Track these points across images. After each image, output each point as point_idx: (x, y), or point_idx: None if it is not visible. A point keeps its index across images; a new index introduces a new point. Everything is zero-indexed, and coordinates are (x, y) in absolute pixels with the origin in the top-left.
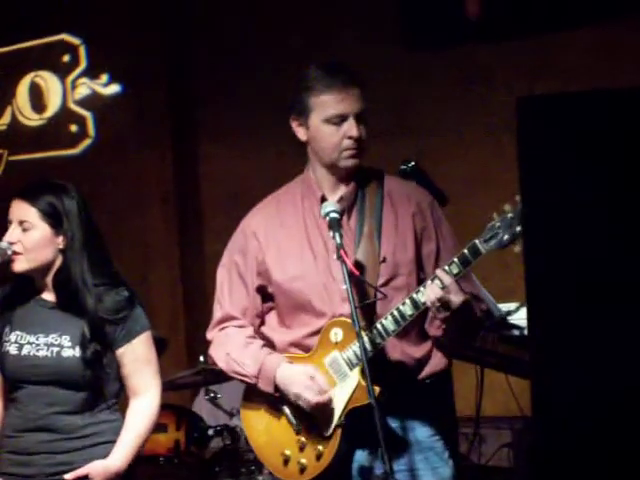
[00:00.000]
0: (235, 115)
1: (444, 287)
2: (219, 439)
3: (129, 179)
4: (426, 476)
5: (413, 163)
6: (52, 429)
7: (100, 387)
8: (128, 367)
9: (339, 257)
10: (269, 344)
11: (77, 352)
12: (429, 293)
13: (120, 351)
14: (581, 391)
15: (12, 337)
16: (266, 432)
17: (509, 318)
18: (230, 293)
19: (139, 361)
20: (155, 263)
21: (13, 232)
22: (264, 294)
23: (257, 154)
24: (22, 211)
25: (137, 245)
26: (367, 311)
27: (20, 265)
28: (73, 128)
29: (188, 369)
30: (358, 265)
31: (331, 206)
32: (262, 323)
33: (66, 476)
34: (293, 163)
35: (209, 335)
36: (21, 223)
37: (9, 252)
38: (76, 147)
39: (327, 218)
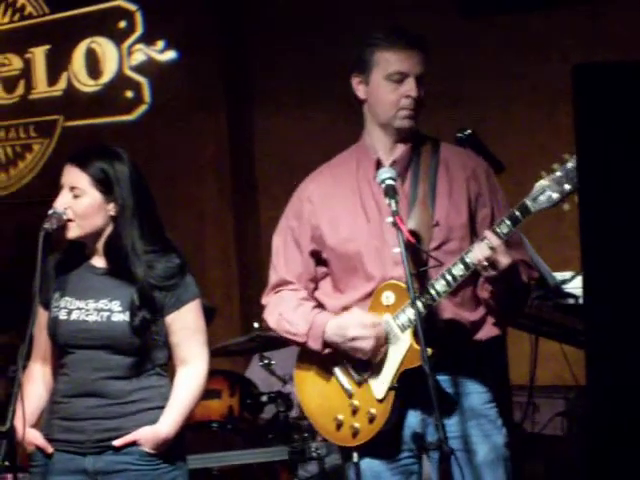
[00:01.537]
0: (289, 83)
1: (492, 248)
2: (272, 406)
3: (183, 146)
4: (479, 443)
5: (470, 131)
6: (100, 394)
7: (148, 353)
8: (177, 335)
9: (394, 224)
10: (322, 308)
11: (126, 317)
12: (477, 252)
13: (169, 318)
14: (637, 360)
15: (62, 303)
16: (318, 397)
17: (564, 287)
18: (285, 258)
19: (188, 329)
20: (209, 230)
21: (64, 198)
22: (318, 259)
23: (311, 121)
24: (73, 177)
25: (191, 212)
26: (419, 275)
27: (71, 232)
28: (128, 94)
29: (242, 336)
30: (411, 230)
31: (388, 172)
32: (316, 288)
33: (115, 442)
34: (347, 131)
35: (264, 300)
36: (72, 189)
37: (64, 217)
38: (131, 113)
39: (383, 185)
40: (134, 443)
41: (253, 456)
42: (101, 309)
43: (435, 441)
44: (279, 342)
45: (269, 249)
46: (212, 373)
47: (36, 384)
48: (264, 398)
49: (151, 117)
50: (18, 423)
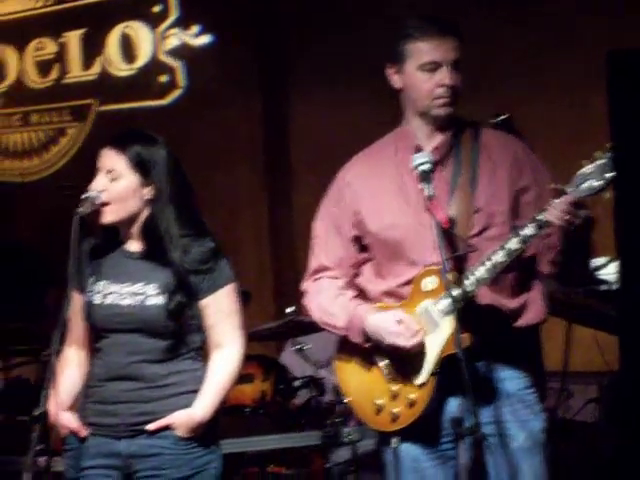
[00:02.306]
0: (325, 68)
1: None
2: (305, 390)
3: (218, 131)
4: (515, 429)
5: (505, 116)
6: (135, 378)
7: (183, 337)
8: (212, 318)
9: (429, 209)
10: (364, 295)
11: (161, 301)
12: (553, 211)
13: (204, 302)
14: None
15: (97, 287)
16: (358, 382)
17: (598, 273)
18: (325, 244)
19: (223, 313)
20: (243, 215)
21: (100, 181)
22: (359, 245)
23: (346, 107)
24: (110, 160)
25: (225, 197)
26: (459, 261)
27: (107, 215)
28: (163, 79)
29: (275, 320)
30: (451, 216)
31: (422, 157)
32: (357, 274)
33: (149, 426)
34: (382, 115)
35: (303, 285)
36: (109, 172)
37: (97, 201)
38: (165, 98)
39: (418, 170)
40: (168, 427)
41: (285, 441)
42: (136, 293)
43: (471, 426)
44: (312, 327)
45: (302, 234)
46: (245, 358)
47: (71, 368)
48: (297, 383)
49: (185, 102)
50: (52, 407)
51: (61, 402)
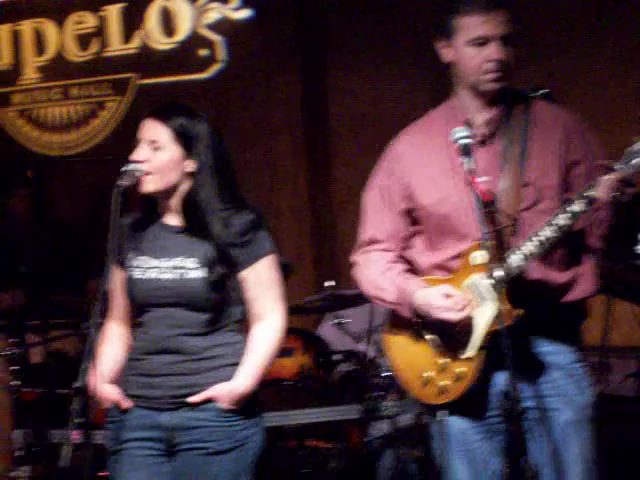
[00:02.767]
0: (365, 42)
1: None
2: (345, 364)
3: (257, 105)
4: (562, 403)
5: (544, 90)
6: (177, 351)
7: (224, 309)
8: (252, 290)
9: (469, 184)
10: (414, 268)
11: (202, 274)
12: (601, 187)
13: (244, 274)
14: None
15: (137, 262)
16: (406, 355)
17: (637, 247)
18: (375, 216)
19: (263, 284)
20: (282, 188)
21: (142, 151)
22: (409, 218)
23: (386, 81)
24: (154, 131)
25: (265, 170)
26: (506, 235)
27: (147, 185)
28: (202, 53)
29: (315, 294)
30: (500, 190)
31: (461, 132)
32: (407, 246)
33: (191, 399)
34: (422, 90)
35: (353, 257)
36: (151, 143)
37: (137, 174)
38: (205, 72)
39: (457, 144)
40: (210, 400)
41: (324, 415)
42: (176, 267)
43: (516, 400)
44: (351, 300)
45: (342, 208)
46: (285, 331)
47: (113, 342)
48: (336, 357)
49: (225, 76)
50: (93, 380)
51: (103, 375)
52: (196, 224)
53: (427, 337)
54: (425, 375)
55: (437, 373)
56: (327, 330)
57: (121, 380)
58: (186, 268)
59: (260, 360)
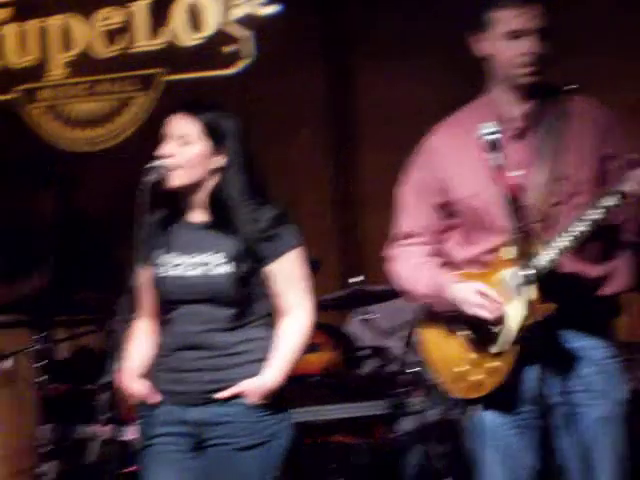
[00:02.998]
0: (390, 36)
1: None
2: (371, 360)
3: (283, 100)
4: (595, 399)
5: (573, 87)
6: (204, 346)
7: (251, 305)
8: (278, 285)
9: (495, 179)
10: (448, 262)
11: (228, 270)
12: (632, 182)
13: (270, 268)
14: None
15: (164, 259)
16: (440, 350)
17: None
18: (410, 210)
19: (289, 278)
20: (306, 185)
21: (170, 146)
22: (444, 212)
23: (412, 76)
24: (183, 126)
25: (289, 166)
26: (542, 229)
27: (175, 180)
28: (229, 48)
29: (341, 290)
30: (519, 184)
31: (489, 127)
32: (442, 241)
33: (219, 395)
34: (450, 84)
35: (388, 252)
36: (180, 137)
37: (164, 170)
38: (231, 67)
39: (485, 139)
40: (238, 395)
41: (351, 410)
42: (202, 263)
43: (551, 395)
44: (378, 296)
45: (368, 203)
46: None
47: (142, 338)
48: (363, 352)
49: (251, 72)
50: (122, 375)
51: (131, 371)
52: (222, 220)
53: (460, 332)
54: (459, 370)
55: (470, 368)
56: (354, 326)
57: (150, 376)
58: (212, 264)
59: (287, 355)
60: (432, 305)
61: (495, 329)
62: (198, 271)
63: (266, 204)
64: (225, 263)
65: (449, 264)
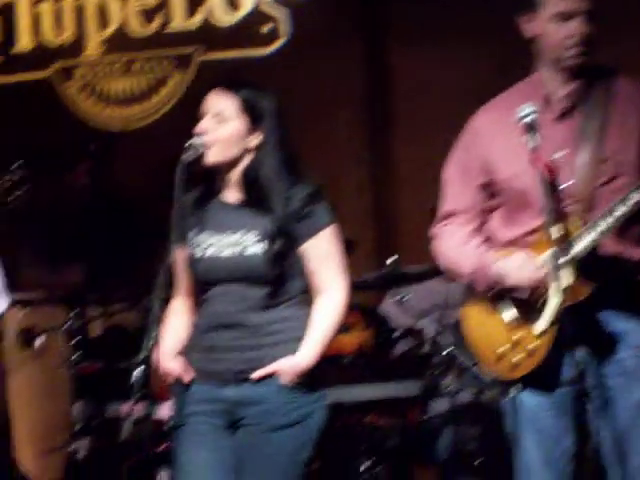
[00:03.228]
0: (428, 15)
1: None
2: (405, 341)
3: (319, 80)
4: (633, 382)
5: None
6: (239, 326)
7: (285, 284)
8: (312, 263)
9: (533, 161)
10: (490, 242)
11: (262, 249)
12: None
13: (304, 247)
14: None
15: (198, 239)
16: (481, 330)
17: None
18: (455, 190)
19: (323, 256)
20: (344, 164)
21: (206, 123)
22: (488, 192)
23: (450, 56)
24: (220, 103)
25: (326, 146)
26: (584, 210)
27: (211, 157)
28: (265, 28)
29: (376, 270)
30: (579, 164)
31: (527, 109)
32: (485, 221)
33: (253, 375)
34: (486, 65)
35: (432, 231)
36: (217, 115)
37: (201, 148)
38: (267, 47)
39: (522, 122)
40: (272, 375)
41: (384, 391)
42: (235, 243)
43: (591, 377)
44: (413, 278)
45: (404, 185)
46: (348, 305)
47: (178, 317)
48: (397, 333)
49: (287, 51)
50: (157, 354)
51: (167, 349)
52: (256, 199)
53: (501, 312)
54: (499, 350)
55: (511, 348)
56: (388, 307)
57: (185, 355)
58: (245, 244)
59: (321, 335)
60: (474, 283)
61: (535, 309)
62: (232, 251)
63: (299, 182)
64: (258, 242)
65: (492, 244)
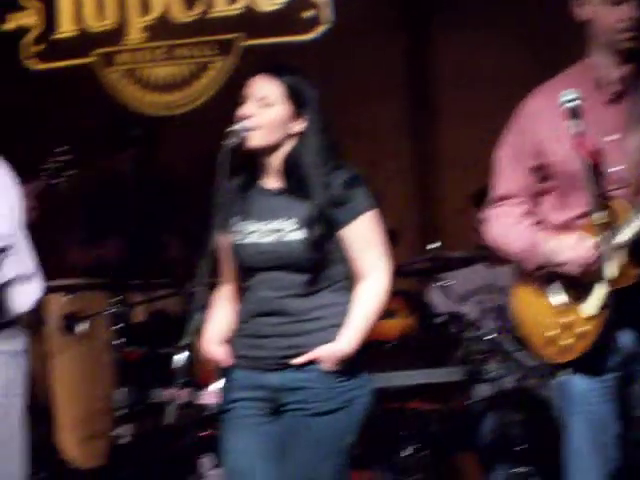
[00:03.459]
0: (470, 4)
1: None
2: (448, 326)
3: (361, 66)
4: None
5: None
6: (281, 312)
7: (325, 270)
8: (353, 248)
9: (575, 146)
10: (541, 225)
11: (301, 235)
12: None
13: (343, 232)
14: None
15: (240, 227)
16: (531, 312)
17: None
18: (507, 173)
19: (363, 242)
20: (386, 150)
21: (250, 107)
22: (540, 175)
23: (493, 42)
24: (265, 87)
25: (368, 133)
26: (634, 193)
27: (254, 140)
28: (308, 14)
29: (419, 256)
30: (630, 147)
31: (570, 94)
32: (537, 203)
33: (294, 360)
34: (531, 52)
35: (485, 213)
36: (262, 99)
37: (244, 133)
38: (310, 33)
39: (565, 107)
40: (314, 361)
41: (427, 377)
42: (275, 230)
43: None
44: (456, 263)
45: (446, 170)
46: (390, 292)
47: (222, 304)
48: (440, 319)
49: (329, 37)
50: (203, 340)
51: (211, 336)
52: (295, 185)
53: (552, 295)
54: (549, 334)
55: (560, 332)
56: (431, 292)
57: (230, 341)
58: (285, 230)
59: (361, 321)
60: (524, 262)
61: (585, 293)
62: (272, 238)
63: (339, 168)
64: (298, 229)
65: (544, 227)
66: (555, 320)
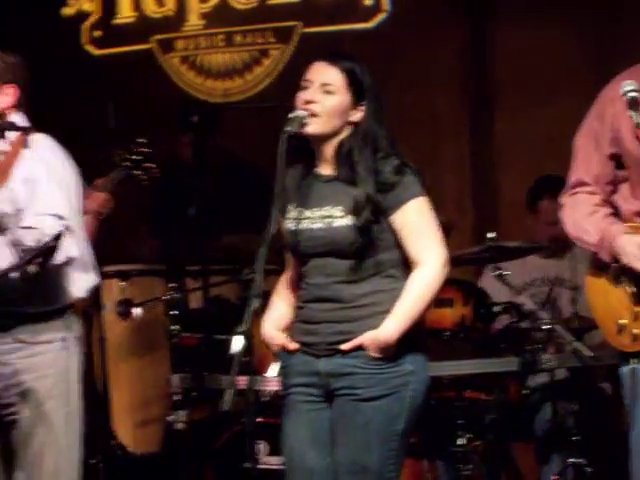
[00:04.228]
0: None
1: None
2: (504, 316)
3: (421, 55)
4: None
5: None
6: (333, 299)
7: (375, 256)
8: (402, 234)
9: (637, 137)
10: (617, 213)
11: (349, 222)
12: None
13: (392, 219)
14: None
15: (293, 214)
16: (604, 300)
17: None
18: (584, 159)
19: (412, 229)
20: (444, 142)
21: (314, 92)
22: (617, 163)
23: (553, 33)
24: (329, 74)
25: (426, 123)
26: None
27: (313, 127)
28: (367, 2)
29: (476, 245)
30: None
31: (629, 86)
32: (613, 191)
33: (342, 346)
34: (591, 43)
35: (562, 199)
36: (323, 85)
37: (304, 120)
38: (369, 21)
39: (625, 97)
40: (361, 347)
41: (483, 366)
42: (325, 216)
43: None
44: (512, 252)
45: (504, 162)
46: (445, 282)
47: (284, 290)
48: (496, 308)
49: (389, 26)
50: (263, 326)
51: (271, 321)
52: (346, 172)
53: (624, 284)
54: (621, 322)
55: (632, 320)
56: (487, 282)
57: (290, 327)
58: (334, 217)
59: (407, 308)
60: (600, 253)
61: None
62: (322, 224)
63: (390, 156)
64: (345, 215)
65: (618, 215)
66: (628, 308)
